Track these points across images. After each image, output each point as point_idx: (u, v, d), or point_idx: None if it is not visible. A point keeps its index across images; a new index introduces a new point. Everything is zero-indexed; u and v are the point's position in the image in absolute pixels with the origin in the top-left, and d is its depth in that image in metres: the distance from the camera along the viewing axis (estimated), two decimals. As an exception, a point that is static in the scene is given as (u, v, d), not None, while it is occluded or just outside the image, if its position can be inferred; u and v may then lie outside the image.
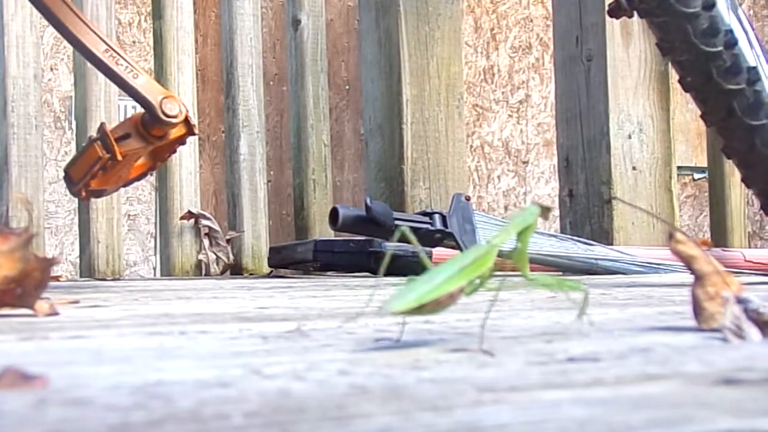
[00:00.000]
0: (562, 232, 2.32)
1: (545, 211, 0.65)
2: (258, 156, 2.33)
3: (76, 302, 1.06)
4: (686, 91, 1.56)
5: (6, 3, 2.17)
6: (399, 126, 2.36)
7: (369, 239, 2.00)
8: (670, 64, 2.04)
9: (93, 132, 1.53)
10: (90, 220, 2.20)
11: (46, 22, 1.50)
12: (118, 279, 2.13)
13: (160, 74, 2.26)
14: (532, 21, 4.46)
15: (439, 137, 2.39)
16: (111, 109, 2.21)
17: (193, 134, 1.46)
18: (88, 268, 2.21)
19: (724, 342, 0.61)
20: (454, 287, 0.61)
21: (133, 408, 0.38)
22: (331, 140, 2.53)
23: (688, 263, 0.68)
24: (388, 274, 1.99)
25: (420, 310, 0.60)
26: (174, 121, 1.40)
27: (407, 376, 0.47)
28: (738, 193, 2.55)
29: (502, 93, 4.40)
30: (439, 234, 1.87)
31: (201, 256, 2.26)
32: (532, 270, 0.67)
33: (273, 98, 3.86)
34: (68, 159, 1.63)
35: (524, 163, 4.42)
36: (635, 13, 1.54)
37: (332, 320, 0.79)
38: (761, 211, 3.15)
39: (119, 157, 1.40)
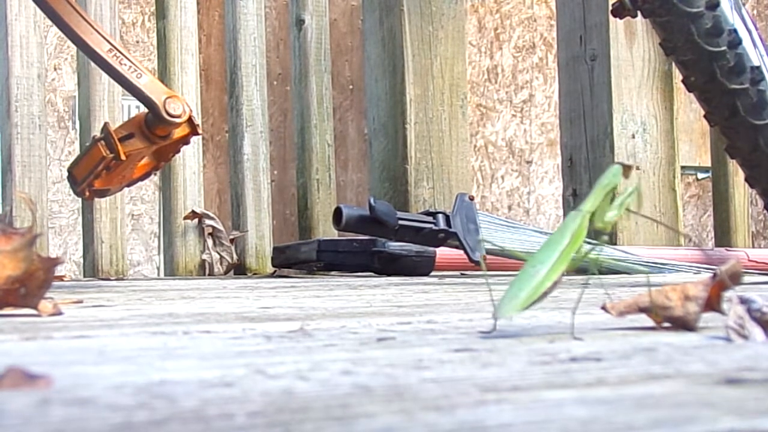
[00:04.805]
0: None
1: (627, 169, 0.66)
2: (261, 156, 2.33)
3: (80, 302, 1.06)
4: (690, 90, 1.56)
5: (9, 3, 2.17)
6: (403, 126, 2.36)
7: (373, 239, 2.00)
8: (673, 64, 2.04)
9: (97, 132, 1.53)
10: (93, 219, 2.20)
11: (49, 22, 1.50)
12: (122, 279, 2.13)
13: (163, 74, 2.26)
14: (535, 21, 4.46)
15: (443, 137, 2.39)
16: (115, 108, 2.21)
17: (197, 134, 1.46)
18: (91, 268, 2.21)
19: (727, 342, 0.61)
20: (557, 274, 0.63)
21: (136, 408, 0.38)
22: (335, 140, 2.53)
23: (648, 312, 0.69)
24: (391, 273, 2.00)
25: (531, 305, 0.63)
26: (178, 120, 1.40)
27: (410, 375, 0.47)
28: (741, 193, 2.55)
29: (506, 93, 4.40)
30: (442, 234, 1.87)
31: (205, 256, 2.26)
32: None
33: (276, 98, 3.86)
34: (72, 159, 1.63)
35: (528, 162, 4.42)
36: (639, 12, 1.54)
37: (336, 320, 0.79)
38: (765, 211, 3.14)
39: (123, 157, 1.40)
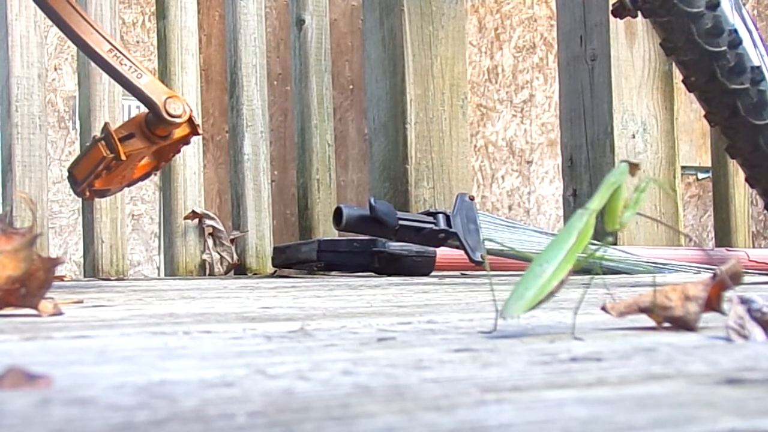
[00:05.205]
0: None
1: (633, 167, 0.66)
2: (262, 156, 2.33)
3: (80, 302, 1.06)
4: (690, 90, 1.56)
5: (10, 3, 2.17)
6: (403, 126, 2.36)
7: (373, 239, 2.00)
8: (674, 64, 2.04)
9: (97, 132, 1.53)
10: (94, 219, 2.20)
11: (50, 22, 1.50)
12: (122, 279, 2.13)
13: (164, 74, 2.26)
14: (536, 21, 4.46)
15: (443, 137, 2.39)
16: (115, 108, 2.21)
17: (197, 134, 1.46)
18: (91, 268, 2.21)
19: (727, 342, 0.61)
20: (564, 273, 0.62)
21: (137, 408, 0.38)
22: (335, 140, 2.53)
23: (648, 312, 0.68)
24: (391, 273, 2.00)
25: (538, 305, 0.62)
26: (178, 120, 1.40)
27: (410, 375, 0.47)
28: (742, 193, 2.55)
29: (506, 93, 4.40)
30: (442, 234, 1.87)
31: (205, 256, 2.26)
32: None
33: (277, 98, 3.86)
34: (72, 159, 1.63)
35: (528, 162, 4.42)
36: (639, 12, 1.54)
37: (336, 320, 0.79)
38: (765, 211, 3.14)
39: (123, 157, 1.40)
